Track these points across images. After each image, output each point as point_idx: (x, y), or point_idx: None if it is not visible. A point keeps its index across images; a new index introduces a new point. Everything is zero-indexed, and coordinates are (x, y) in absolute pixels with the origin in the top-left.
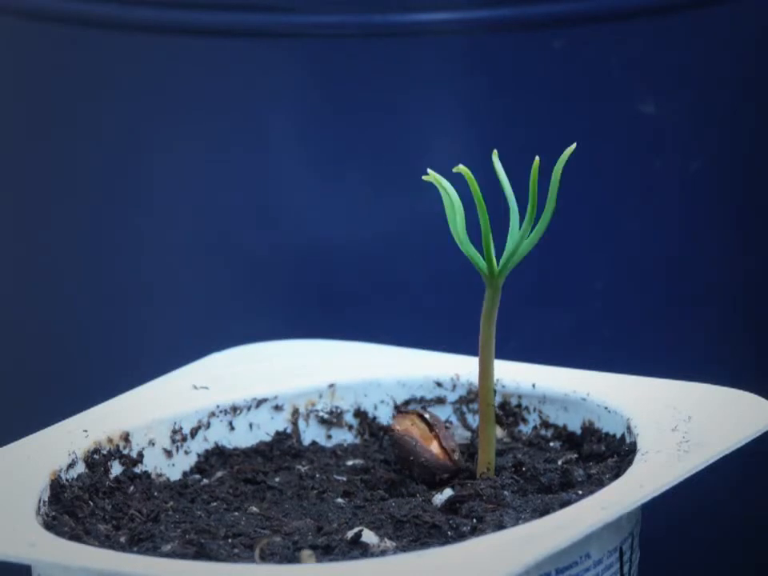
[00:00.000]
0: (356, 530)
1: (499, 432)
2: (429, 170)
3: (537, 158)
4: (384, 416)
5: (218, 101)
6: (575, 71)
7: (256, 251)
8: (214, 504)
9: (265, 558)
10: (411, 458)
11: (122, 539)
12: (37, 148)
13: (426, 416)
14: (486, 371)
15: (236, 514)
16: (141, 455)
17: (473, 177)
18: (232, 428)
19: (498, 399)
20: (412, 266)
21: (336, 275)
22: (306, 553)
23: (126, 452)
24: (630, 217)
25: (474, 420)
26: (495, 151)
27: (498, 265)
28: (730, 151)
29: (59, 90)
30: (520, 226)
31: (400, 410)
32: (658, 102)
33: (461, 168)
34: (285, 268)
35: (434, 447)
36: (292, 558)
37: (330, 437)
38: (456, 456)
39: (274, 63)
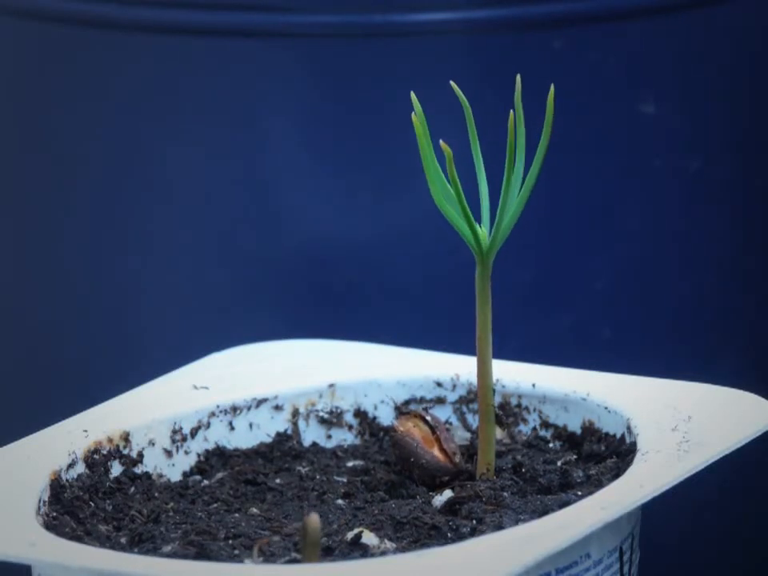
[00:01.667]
0: (356, 531)
1: (499, 433)
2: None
3: (511, 111)
4: (384, 416)
5: (218, 101)
6: (575, 71)
7: (256, 251)
8: (215, 505)
9: (264, 557)
10: (412, 460)
11: (123, 540)
12: (36, 148)
13: (428, 418)
14: (484, 367)
15: (236, 515)
16: (141, 455)
17: (451, 153)
18: (232, 428)
19: (497, 399)
20: (412, 266)
21: (336, 275)
22: (311, 539)
23: (126, 452)
24: (630, 217)
25: (474, 420)
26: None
27: (489, 238)
28: (729, 151)
29: (59, 90)
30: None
31: (402, 411)
32: (658, 102)
33: (443, 145)
34: (285, 268)
35: (435, 449)
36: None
37: (329, 437)
38: (457, 459)
39: (274, 63)
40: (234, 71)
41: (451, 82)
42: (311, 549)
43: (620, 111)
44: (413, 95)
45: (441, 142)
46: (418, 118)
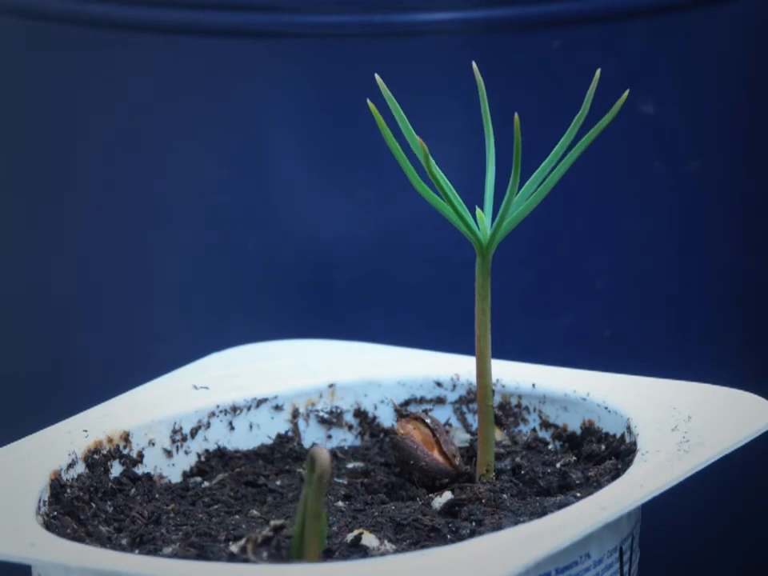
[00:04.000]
0: (356, 532)
1: (499, 435)
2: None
3: (516, 114)
4: (384, 416)
5: (218, 101)
6: (575, 71)
7: (256, 251)
8: (215, 507)
9: (256, 552)
10: (412, 462)
11: (124, 541)
12: (36, 148)
13: (428, 420)
14: (483, 365)
15: (237, 516)
16: (141, 455)
17: (426, 150)
18: (232, 428)
19: (497, 399)
20: (412, 266)
21: (336, 275)
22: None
23: (126, 452)
24: (630, 217)
25: (473, 420)
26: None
27: (489, 231)
28: (729, 151)
29: (59, 90)
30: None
31: (402, 413)
32: (658, 102)
33: (419, 142)
34: (285, 268)
35: (435, 452)
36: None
37: (330, 437)
38: (457, 461)
39: (274, 63)
40: (233, 71)
41: (473, 63)
42: (319, 484)
43: (620, 111)
44: (377, 77)
45: (417, 138)
46: (390, 106)
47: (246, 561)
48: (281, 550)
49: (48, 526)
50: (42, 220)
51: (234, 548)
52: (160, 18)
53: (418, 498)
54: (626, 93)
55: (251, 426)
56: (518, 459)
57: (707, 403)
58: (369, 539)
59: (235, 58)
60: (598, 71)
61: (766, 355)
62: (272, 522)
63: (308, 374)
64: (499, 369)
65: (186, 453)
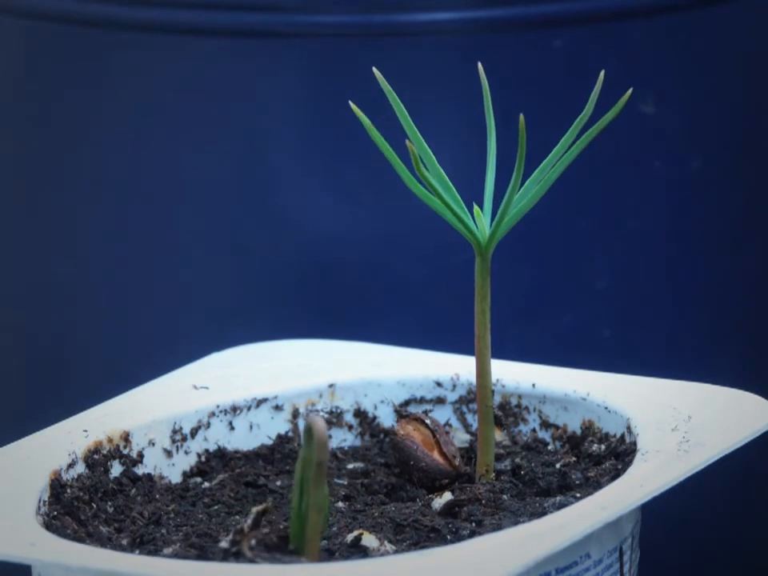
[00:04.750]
0: (356, 533)
1: (499, 435)
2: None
3: (521, 115)
4: (384, 416)
5: (218, 101)
6: (575, 71)
7: (256, 251)
8: (216, 507)
9: (246, 541)
10: (412, 463)
11: (124, 542)
12: (36, 148)
13: (428, 421)
14: (482, 365)
15: (237, 517)
16: (141, 455)
17: (416, 152)
18: (232, 428)
19: (497, 399)
20: (412, 266)
21: (336, 275)
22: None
23: (126, 452)
24: (630, 217)
25: (473, 420)
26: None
27: (488, 230)
28: (729, 151)
29: (59, 90)
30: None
31: (402, 414)
32: (658, 102)
33: (408, 145)
34: (285, 268)
35: (435, 453)
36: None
37: (330, 437)
38: (456, 462)
39: (274, 63)
40: (234, 71)
41: (479, 64)
42: (320, 448)
43: (620, 111)
44: (375, 71)
45: (407, 142)
46: (390, 99)
47: (239, 552)
48: (270, 534)
49: (48, 526)
50: (42, 220)
51: (224, 544)
52: (160, 17)
53: (417, 499)
54: (630, 91)
55: (251, 426)
56: (517, 460)
57: (707, 403)
58: (369, 540)
59: (235, 58)
60: (602, 73)
61: (766, 355)
62: (254, 509)
63: (308, 374)
64: (499, 369)
65: (186, 453)
